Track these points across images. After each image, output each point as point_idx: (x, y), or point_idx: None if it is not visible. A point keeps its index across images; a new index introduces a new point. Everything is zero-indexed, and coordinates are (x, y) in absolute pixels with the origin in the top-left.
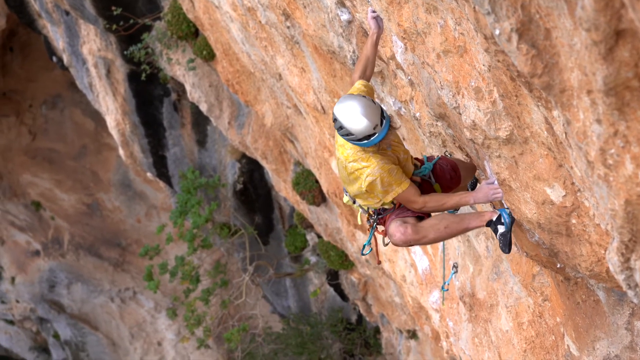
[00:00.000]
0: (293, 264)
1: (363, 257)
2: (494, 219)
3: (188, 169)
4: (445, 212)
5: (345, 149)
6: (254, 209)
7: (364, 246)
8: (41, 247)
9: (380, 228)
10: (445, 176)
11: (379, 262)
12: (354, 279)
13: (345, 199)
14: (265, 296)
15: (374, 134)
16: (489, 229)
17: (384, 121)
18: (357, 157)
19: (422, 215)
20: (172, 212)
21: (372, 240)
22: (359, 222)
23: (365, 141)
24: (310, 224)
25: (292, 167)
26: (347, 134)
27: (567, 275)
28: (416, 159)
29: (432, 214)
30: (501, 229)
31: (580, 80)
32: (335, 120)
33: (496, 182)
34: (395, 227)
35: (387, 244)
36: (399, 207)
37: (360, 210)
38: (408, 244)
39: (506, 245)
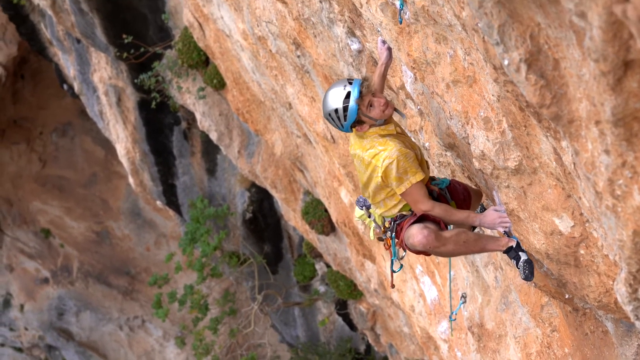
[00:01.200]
0: (302, 293)
1: (372, 286)
2: (514, 245)
3: (197, 198)
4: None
5: (361, 142)
6: (263, 238)
7: (392, 262)
8: (50, 275)
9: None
10: (459, 196)
11: (393, 286)
12: (362, 308)
13: (359, 213)
14: (274, 325)
15: (349, 92)
16: (496, 257)
17: (353, 81)
18: (374, 142)
19: (439, 223)
20: (181, 240)
21: (388, 263)
22: (371, 238)
23: (352, 104)
24: (319, 253)
25: (301, 196)
26: (337, 118)
27: (576, 306)
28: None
29: (451, 227)
30: (523, 256)
31: (589, 110)
32: (327, 118)
33: (504, 210)
34: (418, 229)
35: (397, 271)
36: (416, 215)
37: (374, 225)
38: (426, 248)
39: (532, 272)
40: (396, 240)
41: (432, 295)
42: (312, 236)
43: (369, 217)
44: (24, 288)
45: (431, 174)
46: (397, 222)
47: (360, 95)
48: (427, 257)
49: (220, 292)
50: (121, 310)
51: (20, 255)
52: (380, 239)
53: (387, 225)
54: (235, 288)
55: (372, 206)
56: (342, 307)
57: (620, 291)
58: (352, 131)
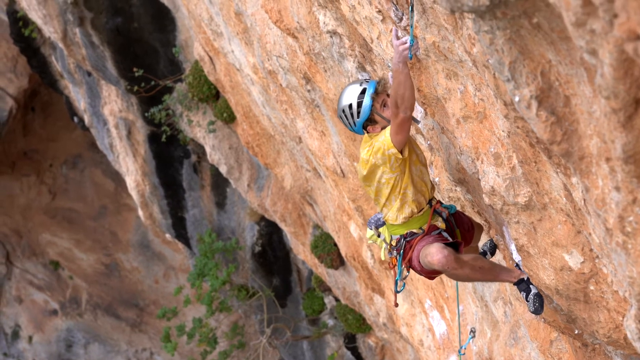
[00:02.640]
0: (310, 327)
1: (381, 320)
2: (525, 279)
3: (206, 232)
4: (478, 255)
5: (365, 144)
6: (272, 272)
7: (396, 282)
8: (59, 307)
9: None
10: (464, 226)
11: (396, 305)
12: (371, 342)
13: (369, 233)
14: (282, 359)
15: (365, 89)
16: (505, 291)
17: (369, 80)
18: (377, 137)
19: (457, 246)
20: (190, 274)
21: (392, 282)
22: (382, 258)
23: (367, 99)
24: (328, 287)
25: (310, 230)
26: (350, 115)
27: (585, 341)
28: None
29: (467, 253)
30: (534, 289)
31: (599, 147)
32: (341, 116)
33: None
34: (439, 249)
35: (400, 291)
36: (428, 234)
37: (385, 245)
38: (444, 268)
39: (541, 306)
40: (402, 259)
41: (441, 330)
42: (321, 270)
43: (379, 236)
44: (33, 320)
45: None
46: (407, 239)
47: (376, 92)
48: (435, 292)
49: (228, 325)
50: (129, 343)
51: (29, 286)
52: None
53: (393, 244)
54: (244, 321)
55: (381, 223)
56: (350, 341)
57: (630, 327)
58: (364, 132)
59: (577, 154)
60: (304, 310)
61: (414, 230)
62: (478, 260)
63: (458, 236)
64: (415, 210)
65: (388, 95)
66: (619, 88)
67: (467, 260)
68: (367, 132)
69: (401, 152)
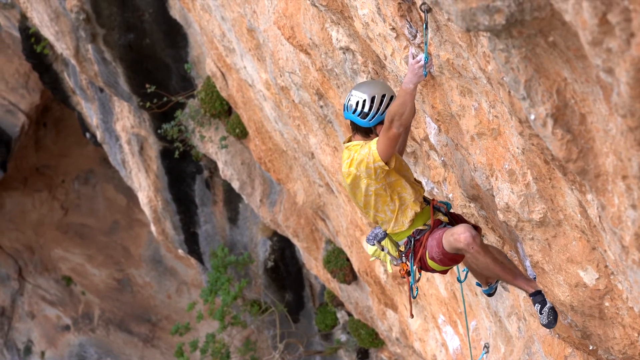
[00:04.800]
0: (323, 342)
1: (394, 335)
2: (541, 290)
3: (218, 247)
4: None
5: (344, 161)
6: (285, 287)
7: (411, 288)
8: (71, 322)
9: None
10: (459, 222)
11: (412, 316)
12: (384, 357)
13: (371, 250)
14: None
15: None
16: (519, 307)
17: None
18: (357, 149)
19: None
20: (202, 290)
21: (406, 297)
22: (389, 271)
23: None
24: (340, 302)
25: (323, 245)
26: (380, 103)
27: (600, 357)
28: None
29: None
30: (549, 303)
31: (616, 165)
32: (367, 98)
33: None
34: (466, 228)
35: (416, 296)
36: (436, 227)
37: (389, 257)
38: (469, 248)
39: (555, 320)
40: (414, 260)
41: (454, 345)
42: (333, 285)
43: (383, 250)
44: (45, 335)
45: None
46: (417, 237)
47: None
48: (449, 307)
49: (241, 340)
50: (142, 358)
51: (42, 302)
52: (403, 276)
53: (401, 249)
54: (256, 336)
55: (382, 236)
56: (363, 356)
57: None
58: (368, 127)
59: (592, 172)
60: (317, 326)
61: (420, 228)
62: (502, 255)
63: None
64: (418, 210)
65: None
66: (636, 106)
67: (492, 250)
68: (371, 132)
69: (387, 163)
